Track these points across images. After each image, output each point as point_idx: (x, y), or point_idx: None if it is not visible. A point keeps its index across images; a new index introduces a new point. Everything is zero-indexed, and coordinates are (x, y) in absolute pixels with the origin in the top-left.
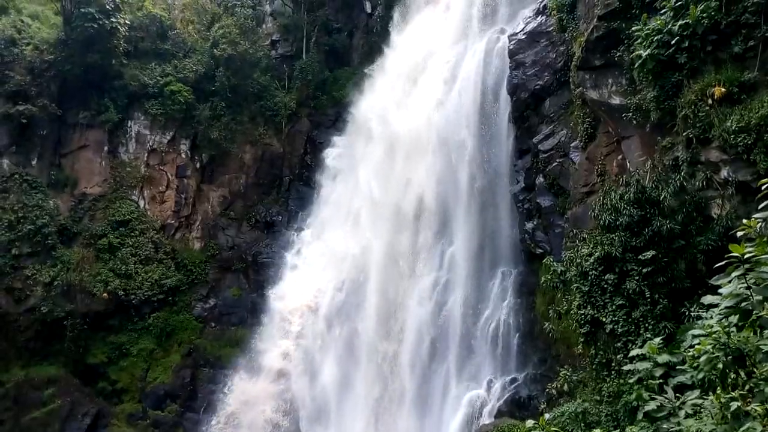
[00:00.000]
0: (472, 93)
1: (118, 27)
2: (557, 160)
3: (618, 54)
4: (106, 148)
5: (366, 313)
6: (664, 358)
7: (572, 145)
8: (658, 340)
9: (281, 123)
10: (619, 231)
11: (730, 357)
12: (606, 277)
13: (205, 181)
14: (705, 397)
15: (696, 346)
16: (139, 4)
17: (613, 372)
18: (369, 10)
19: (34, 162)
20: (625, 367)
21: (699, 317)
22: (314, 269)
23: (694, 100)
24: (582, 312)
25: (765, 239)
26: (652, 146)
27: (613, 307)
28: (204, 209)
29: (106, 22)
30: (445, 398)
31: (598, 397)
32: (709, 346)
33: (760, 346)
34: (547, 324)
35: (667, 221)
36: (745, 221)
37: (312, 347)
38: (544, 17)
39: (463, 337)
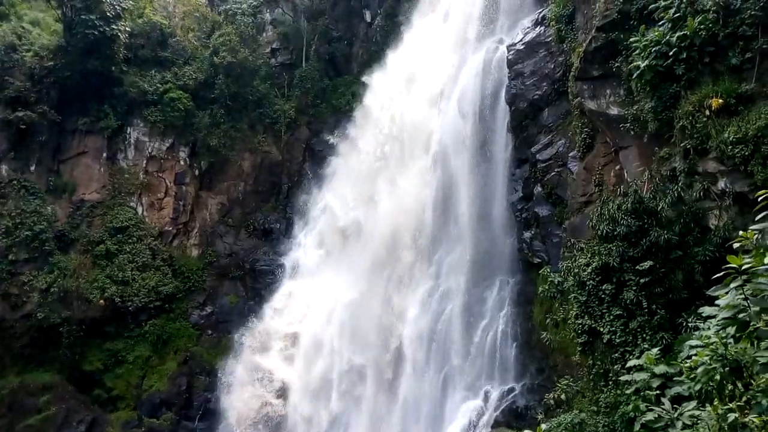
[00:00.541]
0: (470, 102)
1: (119, 34)
2: (555, 170)
3: (616, 65)
4: (104, 155)
5: (363, 322)
6: (661, 368)
7: (570, 155)
8: (655, 350)
9: (280, 131)
10: (616, 241)
11: (727, 368)
12: (603, 287)
13: (203, 188)
14: (702, 408)
15: (693, 357)
16: (140, 11)
17: (610, 382)
18: (369, 20)
19: (32, 168)
20: (623, 378)
21: (696, 328)
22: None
23: (691, 111)
24: (579, 322)
25: (762, 251)
26: (650, 157)
27: (611, 317)
28: (202, 216)
29: (107, 29)
30: (442, 408)
31: (596, 408)
32: (706, 357)
33: (758, 358)
34: (544, 333)
35: (665, 232)
36: (742, 233)
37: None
38: (542, 28)
39: (460, 347)
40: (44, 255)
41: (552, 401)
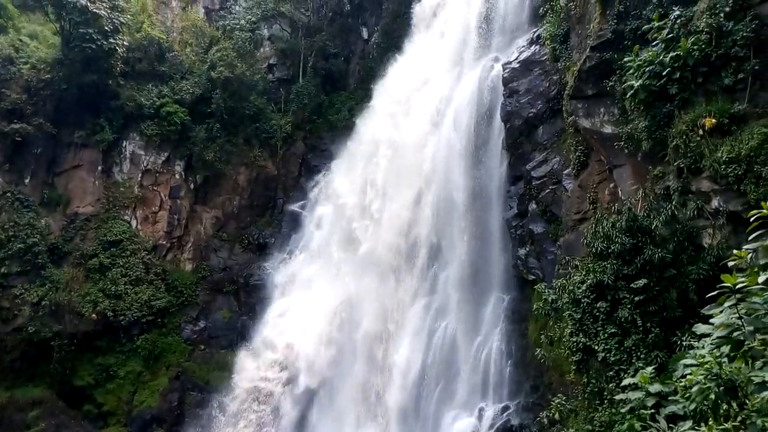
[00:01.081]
0: (466, 119)
1: (116, 48)
2: (550, 187)
3: (610, 84)
4: (100, 168)
5: (358, 336)
6: (656, 387)
7: (565, 172)
8: (650, 369)
9: (276, 145)
10: (611, 259)
11: (722, 388)
12: (598, 305)
13: (198, 202)
14: (697, 428)
15: (688, 377)
16: (138, 26)
17: (605, 401)
18: (365, 37)
19: (27, 180)
20: (617, 397)
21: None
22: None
23: (685, 130)
24: (574, 339)
25: (756, 270)
26: (644, 175)
27: (605, 335)
28: (196, 230)
29: (105, 43)
30: (436, 426)
31: (590, 427)
32: (701, 377)
33: (752, 377)
34: (538, 351)
35: (659, 250)
36: (735, 252)
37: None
38: (537, 47)
39: (454, 363)
40: (37, 268)
41: (546, 420)
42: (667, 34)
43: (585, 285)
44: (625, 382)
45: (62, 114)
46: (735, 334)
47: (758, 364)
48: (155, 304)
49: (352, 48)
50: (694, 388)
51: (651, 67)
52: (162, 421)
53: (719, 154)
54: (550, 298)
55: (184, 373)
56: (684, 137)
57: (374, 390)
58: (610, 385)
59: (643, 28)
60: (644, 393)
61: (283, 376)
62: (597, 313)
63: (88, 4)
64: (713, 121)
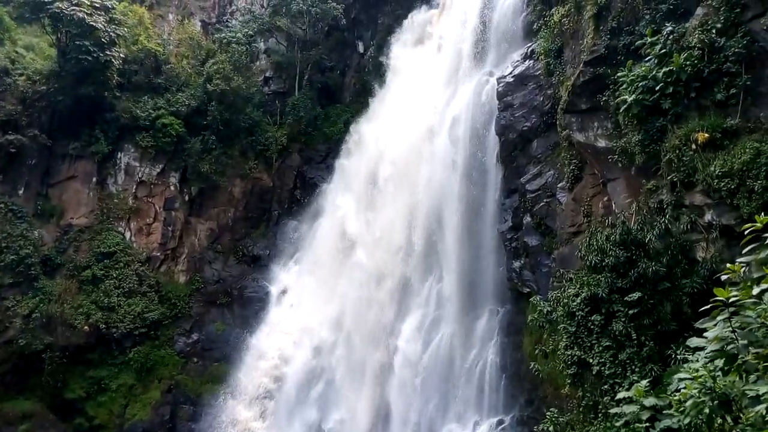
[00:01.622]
0: (461, 133)
1: (113, 60)
2: (544, 200)
3: (604, 98)
4: (94, 179)
5: (352, 351)
6: (650, 401)
7: (559, 185)
8: (644, 382)
9: (272, 158)
10: (605, 272)
11: (716, 402)
12: (593, 318)
13: (193, 213)
14: None
15: (682, 390)
16: (135, 38)
17: (600, 414)
18: (361, 50)
19: (20, 191)
20: (612, 410)
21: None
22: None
23: (678, 144)
24: (569, 353)
25: (749, 283)
26: (638, 189)
27: (600, 348)
28: (191, 242)
29: (101, 55)
30: None
31: None
32: (695, 391)
33: (746, 391)
34: (533, 364)
35: (653, 263)
36: (729, 265)
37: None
38: (532, 61)
39: (449, 377)
40: (29, 280)
41: None
42: (660, 50)
43: (579, 298)
44: (620, 395)
45: (57, 125)
46: (729, 347)
47: (752, 377)
48: (148, 317)
49: (348, 61)
50: (689, 402)
51: (644, 82)
52: None
53: (712, 169)
54: (544, 311)
55: (177, 386)
56: (677, 151)
57: (372, 397)
58: (605, 398)
59: (636, 43)
60: (639, 406)
61: (275, 387)
62: (591, 326)
63: (85, 16)
64: (706, 135)
